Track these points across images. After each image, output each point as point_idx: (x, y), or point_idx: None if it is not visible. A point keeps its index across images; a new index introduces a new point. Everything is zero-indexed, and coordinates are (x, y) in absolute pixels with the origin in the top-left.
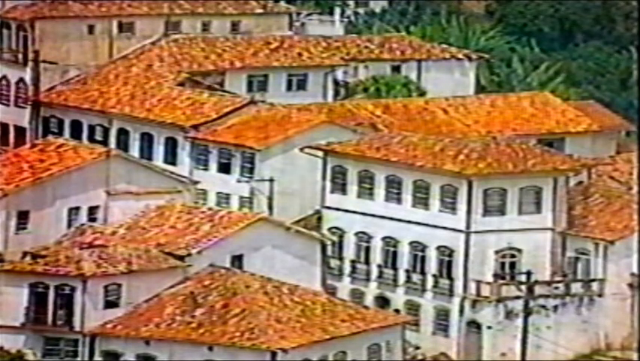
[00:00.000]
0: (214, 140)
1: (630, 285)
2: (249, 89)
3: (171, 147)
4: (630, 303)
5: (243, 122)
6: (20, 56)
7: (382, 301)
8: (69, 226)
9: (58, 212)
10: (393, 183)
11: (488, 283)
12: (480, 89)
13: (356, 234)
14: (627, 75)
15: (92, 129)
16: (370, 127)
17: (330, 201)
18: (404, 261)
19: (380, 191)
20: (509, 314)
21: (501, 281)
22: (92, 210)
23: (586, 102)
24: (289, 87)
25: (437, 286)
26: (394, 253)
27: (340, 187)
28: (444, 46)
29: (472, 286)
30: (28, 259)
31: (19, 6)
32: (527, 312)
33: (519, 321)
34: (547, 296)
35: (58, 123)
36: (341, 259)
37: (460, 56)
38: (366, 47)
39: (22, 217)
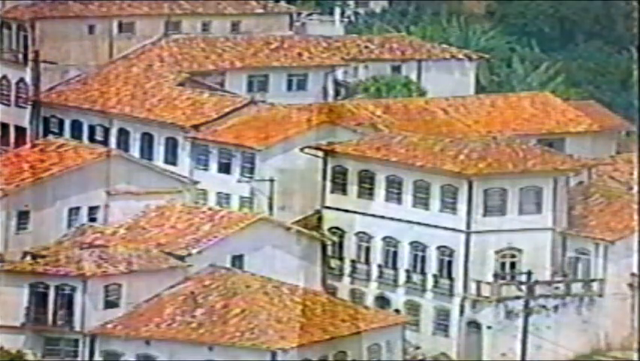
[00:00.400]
0: (214, 140)
1: (630, 285)
2: (249, 89)
3: (171, 147)
4: (630, 303)
5: (243, 122)
6: (20, 56)
7: (382, 301)
8: (69, 225)
9: (58, 212)
10: (393, 183)
11: (488, 283)
12: (480, 89)
13: (356, 234)
14: (627, 75)
15: (92, 129)
16: (370, 127)
17: (330, 201)
18: (404, 261)
19: (380, 191)
20: (509, 314)
21: (501, 281)
22: (92, 210)
23: (586, 102)
24: (289, 87)
25: (437, 286)
26: (394, 253)
27: (340, 187)
28: (444, 46)
29: (473, 286)
30: (28, 259)
31: (19, 6)
32: (527, 312)
33: (519, 321)
34: (547, 296)
35: (59, 123)
36: (341, 259)
37: (460, 56)
38: (366, 47)
39: (22, 217)
